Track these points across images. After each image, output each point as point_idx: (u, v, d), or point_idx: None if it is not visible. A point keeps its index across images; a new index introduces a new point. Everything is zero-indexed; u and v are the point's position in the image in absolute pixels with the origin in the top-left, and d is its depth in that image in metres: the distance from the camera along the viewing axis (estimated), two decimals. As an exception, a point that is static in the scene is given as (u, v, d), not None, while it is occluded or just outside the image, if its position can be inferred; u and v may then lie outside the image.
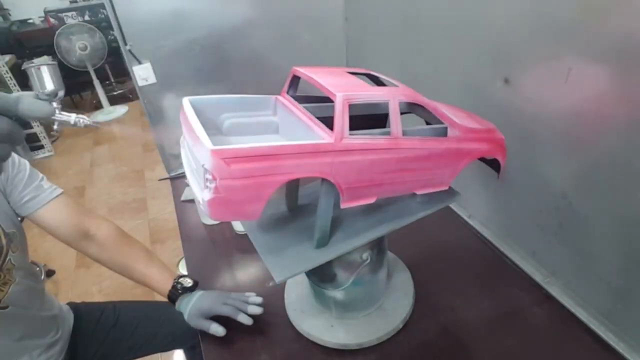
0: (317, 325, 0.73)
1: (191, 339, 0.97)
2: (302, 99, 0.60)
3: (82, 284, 2.03)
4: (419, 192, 0.60)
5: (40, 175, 0.81)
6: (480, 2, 0.74)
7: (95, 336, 0.94)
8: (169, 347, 1.01)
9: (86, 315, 0.96)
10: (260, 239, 0.59)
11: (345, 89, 0.50)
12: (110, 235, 0.86)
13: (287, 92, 0.61)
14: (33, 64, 0.42)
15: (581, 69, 0.58)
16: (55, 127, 0.46)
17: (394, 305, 0.75)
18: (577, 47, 0.58)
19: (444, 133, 0.57)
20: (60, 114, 0.45)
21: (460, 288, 0.79)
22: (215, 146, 0.42)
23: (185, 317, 0.76)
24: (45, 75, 0.43)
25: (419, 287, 0.79)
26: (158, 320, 0.98)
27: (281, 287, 0.82)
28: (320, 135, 0.50)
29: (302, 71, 0.57)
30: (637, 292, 0.61)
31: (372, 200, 0.55)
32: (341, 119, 0.48)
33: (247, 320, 0.73)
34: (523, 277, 0.80)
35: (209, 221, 1.04)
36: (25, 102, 0.41)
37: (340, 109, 0.48)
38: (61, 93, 0.45)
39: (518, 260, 0.83)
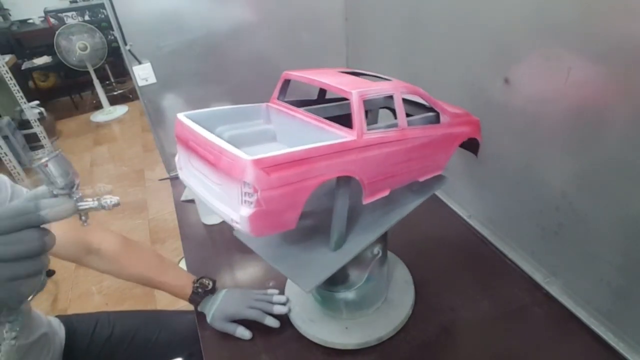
0: (332, 330, 0.71)
1: (189, 347, 0.95)
2: (297, 103, 0.60)
3: (82, 284, 2.03)
4: (421, 179, 0.62)
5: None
6: (481, 2, 0.74)
7: (91, 349, 0.90)
8: (167, 355, 0.98)
9: (80, 329, 0.91)
10: (270, 252, 0.58)
11: (354, 86, 0.50)
12: (116, 247, 0.82)
13: (278, 98, 0.61)
14: (38, 162, 0.37)
15: (581, 69, 0.59)
16: (83, 219, 0.41)
17: (394, 305, 0.75)
18: (577, 47, 0.58)
19: (436, 120, 0.60)
20: (84, 202, 0.40)
21: (460, 288, 0.79)
22: (254, 156, 0.40)
23: (208, 319, 0.75)
24: (54, 171, 0.38)
25: (419, 287, 0.79)
26: (155, 329, 0.95)
27: (281, 287, 0.82)
28: (339, 135, 0.50)
29: (298, 74, 0.57)
30: (637, 292, 0.61)
31: (386, 193, 0.56)
32: (359, 115, 0.48)
33: (274, 324, 0.73)
34: (523, 277, 0.80)
35: (209, 221, 1.04)
36: (46, 205, 0.37)
37: (357, 105, 0.48)
38: (77, 181, 0.40)
39: (518, 260, 0.83)
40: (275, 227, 0.45)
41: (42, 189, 0.39)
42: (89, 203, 0.40)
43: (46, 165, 0.37)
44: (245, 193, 0.41)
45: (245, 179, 0.40)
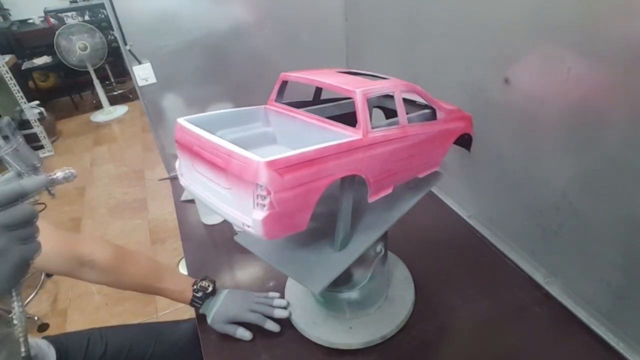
0: (336, 331, 0.71)
1: (186, 357, 0.92)
2: (294, 105, 0.60)
3: (82, 284, 2.03)
4: (420, 176, 0.62)
5: None
6: (481, 3, 0.74)
7: None
8: None
9: (71, 348, 0.85)
10: (275, 256, 0.58)
11: (357, 85, 0.51)
12: (110, 257, 0.78)
13: (276, 100, 0.61)
14: (7, 149, 0.49)
15: (581, 69, 0.59)
16: (52, 192, 0.50)
17: (395, 303, 0.75)
18: (577, 47, 0.58)
19: (433, 117, 0.61)
20: (49, 174, 0.49)
21: (460, 288, 0.79)
22: (267, 158, 0.40)
23: (209, 321, 0.75)
24: (24, 153, 0.49)
25: (419, 286, 0.79)
26: (149, 343, 0.92)
27: (281, 287, 0.82)
28: (344, 134, 0.50)
29: (296, 75, 0.57)
30: (637, 292, 0.61)
31: (390, 191, 0.56)
32: (363, 114, 0.49)
33: (274, 328, 0.73)
34: (523, 277, 0.80)
35: (209, 221, 1.04)
36: (27, 182, 0.45)
37: (361, 104, 0.49)
38: (39, 164, 0.51)
39: (518, 260, 0.83)
40: (288, 229, 0.45)
41: (9, 174, 0.48)
42: (53, 175, 0.49)
43: (18, 150, 0.47)
44: (258, 196, 0.41)
45: (258, 181, 0.40)
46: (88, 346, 0.87)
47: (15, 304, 0.48)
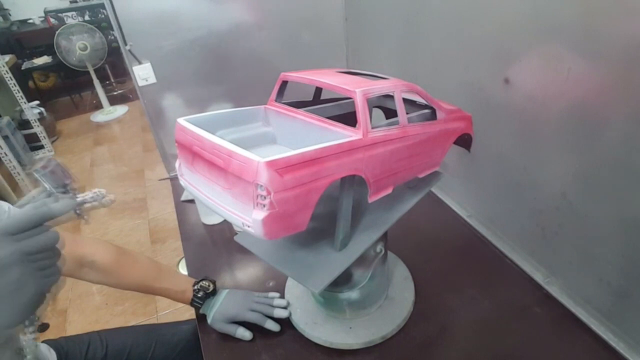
0: (336, 331, 0.71)
1: (186, 359, 0.93)
2: (294, 105, 0.60)
3: (82, 284, 2.02)
4: (420, 176, 0.62)
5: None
6: (481, 3, 0.74)
7: None
8: None
9: (72, 352, 0.86)
10: (275, 256, 0.58)
11: (357, 85, 0.51)
12: (111, 258, 0.78)
13: (276, 100, 0.61)
14: (37, 166, 0.44)
15: (581, 69, 0.59)
16: (77, 212, 0.48)
17: (396, 302, 0.75)
18: (577, 47, 0.58)
19: (433, 117, 0.61)
20: (80, 197, 0.47)
21: (460, 288, 0.79)
22: (267, 158, 0.40)
23: (209, 320, 0.75)
24: (52, 174, 0.45)
25: (419, 286, 0.79)
26: (149, 344, 0.92)
27: (281, 287, 0.82)
28: (344, 134, 0.50)
29: (296, 75, 0.57)
30: (637, 292, 0.61)
31: (390, 191, 0.56)
32: (363, 114, 0.49)
33: (275, 327, 0.73)
34: (523, 277, 0.80)
35: (209, 221, 1.04)
36: (55, 206, 0.42)
37: (361, 104, 0.49)
38: (68, 181, 0.47)
39: (518, 260, 0.83)
40: (288, 229, 0.45)
41: (37, 190, 0.44)
42: (83, 196, 0.46)
43: (46, 167, 0.42)
44: (258, 195, 0.41)
45: (258, 181, 0.40)
46: (88, 349, 0.87)
47: (28, 335, 0.46)
